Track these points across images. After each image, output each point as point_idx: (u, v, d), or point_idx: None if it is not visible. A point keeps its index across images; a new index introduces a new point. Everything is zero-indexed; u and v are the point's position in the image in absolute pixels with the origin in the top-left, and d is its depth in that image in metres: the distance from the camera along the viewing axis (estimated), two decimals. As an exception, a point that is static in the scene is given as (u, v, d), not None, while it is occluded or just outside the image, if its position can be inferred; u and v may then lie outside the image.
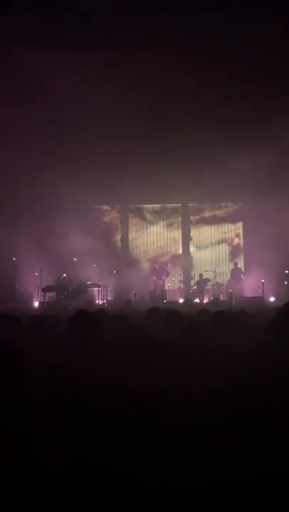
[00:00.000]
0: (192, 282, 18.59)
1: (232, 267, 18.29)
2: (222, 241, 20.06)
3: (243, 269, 18.44)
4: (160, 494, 1.84)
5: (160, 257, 19.33)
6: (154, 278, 17.40)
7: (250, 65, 13.44)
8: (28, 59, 12.14)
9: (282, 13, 12.43)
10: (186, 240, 19.90)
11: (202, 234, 20.01)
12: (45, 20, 12.00)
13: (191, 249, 19.95)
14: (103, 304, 15.05)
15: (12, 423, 2.15)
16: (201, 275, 18.05)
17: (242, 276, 17.57)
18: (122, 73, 13.03)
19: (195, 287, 18.09)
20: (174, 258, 19.80)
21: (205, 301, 16.18)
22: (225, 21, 12.26)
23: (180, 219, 20.08)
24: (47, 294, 14.94)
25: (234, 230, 20.05)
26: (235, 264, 18.30)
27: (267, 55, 12.99)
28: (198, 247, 19.95)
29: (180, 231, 20.06)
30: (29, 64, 12.35)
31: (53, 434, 2.09)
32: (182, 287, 18.66)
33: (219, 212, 20.11)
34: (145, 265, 19.25)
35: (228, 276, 18.34)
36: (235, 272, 17.82)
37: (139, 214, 20.15)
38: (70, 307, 12.61)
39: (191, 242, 19.96)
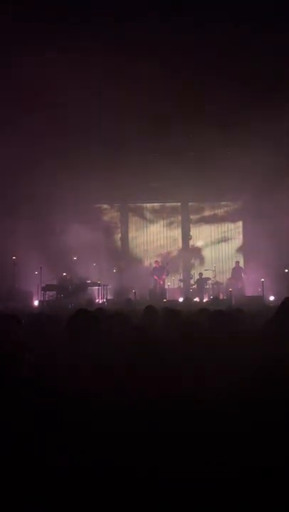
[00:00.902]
0: (192, 281, 18.59)
1: (233, 265, 18.32)
2: (222, 240, 20.06)
3: (243, 267, 18.43)
4: (160, 493, 1.85)
5: (160, 256, 19.30)
6: (156, 277, 17.40)
7: (251, 64, 13.41)
8: (29, 57, 12.10)
9: (282, 11, 12.41)
10: (186, 239, 19.90)
11: (202, 233, 20.01)
12: (46, 18, 11.96)
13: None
14: (103, 302, 15.05)
15: (12, 423, 2.15)
16: (200, 274, 18.05)
17: (243, 275, 17.56)
18: (122, 72, 13.01)
19: (195, 286, 18.10)
20: (175, 257, 19.79)
21: (205, 300, 16.19)
22: (224, 20, 12.23)
23: (180, 218, 20.07)
24: (47, 292, 14.93)
25: (234, 229, 20.04)
26: (237, 263, 18.31)
27: (267, 53, 12.96)
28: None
29: (180, 230, 20.05)
30: (29, 62, 12.31)
31: (52, 433, 2.10)
32: (182, 286, 18.67)
33: (219, 212, 20.11)
34: (145, 264, 19.24)
35: (229, 275, 18.36)
36: (237, 271, 17.82)
37: (139, 213, 20.14)
38: (70, 306, 12.62)
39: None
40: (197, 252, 19.82)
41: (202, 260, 19.60)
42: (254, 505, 1.82)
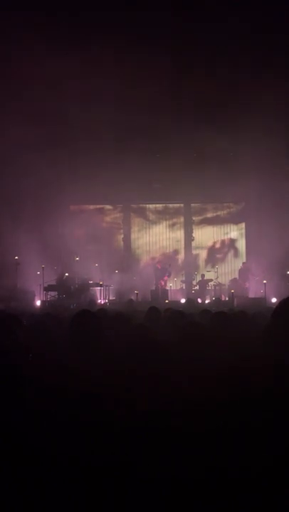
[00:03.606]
0: (194, 282, 18.59)
1: (239, 266, 18.33)
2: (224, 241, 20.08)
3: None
4: (159, 493, 1.85)
5: (162, 257, 19.31)
6: (160, 281, 17.42)
7: (253, 64, 13.39)
8: (29, 56, 12.05)
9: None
10: (189, 240, 19.89)
11: (204, 234, 20.00)
12: (46, 14, 11.89)
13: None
14: (105, 303, 15.06)
15: (11, 425, 2.15)
16: (203, 275, 18.06)
17: (250, 276, 17.48)
18: (124, 72, 13.00)
19: (197, 287, 18.08)
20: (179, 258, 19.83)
21: (207, 302, 16.18)
22: (224, 18, 12.14)
23: (182, 219, 20.07)
24: (49, 292, 14.94)
25: (237, 231, 20.04)
26: (244, 264, 18.31)
27: (268, 50, 12.92)
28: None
29: (182, 231, 20.04)
30: (30, 60, 12.27)
31: (52, 434, 2.10)
32: (184, 287, 18.66)
33: (222, 213, 20.10)
34: (147, 265, 19.24)
35: (231, 277, 18.35)
36: (243, 272, 17.78)
37: (142, 214, 20.15)
38: (72, 306, 12.63)
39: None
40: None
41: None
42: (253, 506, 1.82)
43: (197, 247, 19.96)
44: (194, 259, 19.78)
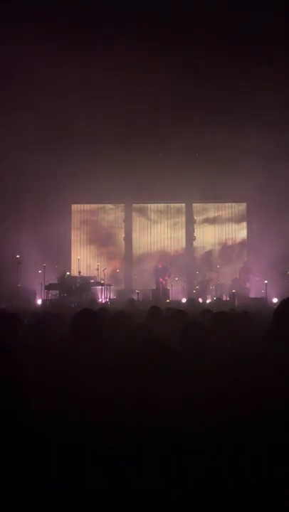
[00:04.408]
0: (195, 282, 18.59)
1: (240, 266, 18.32)
2: (226, 241, 20.08)
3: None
4: (160, 498, 1.84)
5: (163, 256, 19.32)
6: (160, 279, 17.43)
7: (255, 62, 13.34)
8: (30, 54, 11.99)
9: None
10: (190, 239, 19.89)
11: (206, 234, 20.00)
12: (47, 11, 11.83)
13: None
14: (106, 302, 15.07)
15: (11, 425, 2.15)
16: (204, 275, 18.05)
17: (251, 276, 17.46)
18: (126, 70, 12.97)
19: (198, 287, 18.08)
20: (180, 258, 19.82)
21: (208, 301, 16.17)
22: (225, 16, 12.07)
23: (184, 218, 20.07)
24: (50, 291, 14.96)
25: (238, 231, 20.03)
26: (244, 263, 18.28)
27: (269, 47, 12.87)
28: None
29: (184, 231, 20.04)
30: (30, 59, 12.21)
31: (52, 438, 2.09)
32: (185, 287, 18.66)
33: (223, 212, 20.10)
34: (149, 264, 19.25)
35: (232, 277, 18.34)
36: (244, 272, 17.75)
37: (143, 213, 20.16)
38: (73, 305, 12.64)
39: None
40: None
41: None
42: None
43: (198, 247, 19.95)
44: (195, 258, 19.77)
